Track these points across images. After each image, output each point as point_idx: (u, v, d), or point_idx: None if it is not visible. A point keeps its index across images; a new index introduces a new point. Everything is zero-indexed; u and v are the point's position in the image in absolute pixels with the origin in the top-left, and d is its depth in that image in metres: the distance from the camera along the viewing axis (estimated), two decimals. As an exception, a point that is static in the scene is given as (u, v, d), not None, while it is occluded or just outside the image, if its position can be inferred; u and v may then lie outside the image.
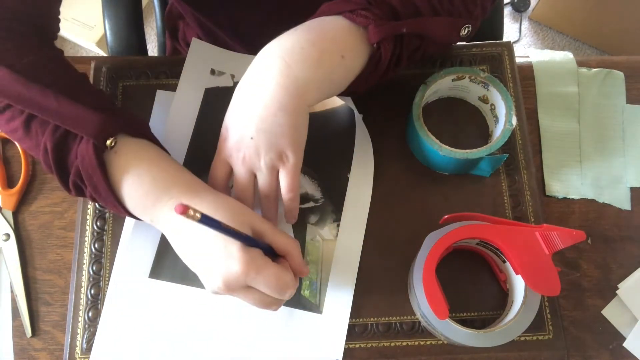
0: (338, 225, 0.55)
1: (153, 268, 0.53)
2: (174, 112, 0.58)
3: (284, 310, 0.52)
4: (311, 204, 0.55)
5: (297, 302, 0.52)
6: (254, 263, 0.41)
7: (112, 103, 0.52)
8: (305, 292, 0.53)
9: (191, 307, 0.52)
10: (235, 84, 0.59)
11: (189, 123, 0.58)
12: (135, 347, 0.51)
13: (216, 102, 0.58)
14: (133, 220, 0.54)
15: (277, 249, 0.46)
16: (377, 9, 0.46)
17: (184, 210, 0.35)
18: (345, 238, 0.54)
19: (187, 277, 0.53)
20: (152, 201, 0.45)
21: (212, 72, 0.60)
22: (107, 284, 0.53)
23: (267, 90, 0.44)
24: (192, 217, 0.36)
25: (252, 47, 0.65)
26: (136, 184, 0.45)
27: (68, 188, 0.47)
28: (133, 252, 0.53)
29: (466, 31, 0.51)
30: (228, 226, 0.40)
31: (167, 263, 0.53)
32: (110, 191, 0.45)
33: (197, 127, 0.58)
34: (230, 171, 0.49)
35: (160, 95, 0.59)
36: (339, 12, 0.46)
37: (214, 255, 0.42)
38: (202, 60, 0.60)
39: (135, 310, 0.52)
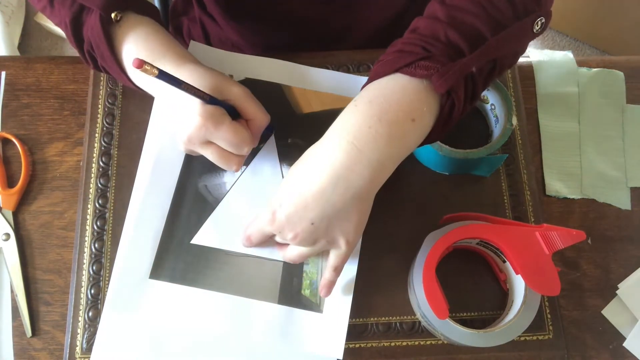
0: None
1: (153, 269, 0.53)
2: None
3: (284, 310, 0.52)
4: None
5: (298, 301, 0.52)
6: (212, 118, 0.46)
7: None
8: (306, 292, 0.53)
9: (191, 308, 0.52)
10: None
11: None
12: (135, 348, 0.51)
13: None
14: (133, 221, 0.54)
15: (246, 113, 0.49)
16: (437, 53, 0.40)
17: (140, 65, 0.39)
18: None
19: (187, 277, 0.53)
20: None
21: None
22: (107, 284, 0.53)
23: (339, 180, 0.41)
24: (150, 72, 0.41)
25: (259, 47, 0.65)
26: (134, 53, 0.49)
27: (85, 59, 0.52)
28: (133, 252, 0.53)
29: (540, 25, 0.44)
30: (188, 85, 0.44)
31: (167, 264, 0.53)
32: (114, 59, 0.50)
33: None
34: (269, 239, 0.50)
35: None
36: (396, 70, 0.42)
37: (180, 113, 0.47)
38: (200, 61, 0.60)
39: (135, 311, 0.52)
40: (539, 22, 0.44)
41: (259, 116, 0.50)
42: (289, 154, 0.57)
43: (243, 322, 0.51)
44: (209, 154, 0.49)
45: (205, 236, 0.54)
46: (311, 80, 0.60)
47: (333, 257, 0.47)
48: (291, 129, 0.58)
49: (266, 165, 0.57)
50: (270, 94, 0.59)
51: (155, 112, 0.58)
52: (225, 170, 0.56)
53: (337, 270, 0.48)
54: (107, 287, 0.53)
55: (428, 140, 0.45)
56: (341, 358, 0.50)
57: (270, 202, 0.46)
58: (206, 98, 0.46)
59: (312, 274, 0.53)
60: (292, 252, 0.49)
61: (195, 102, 0.46)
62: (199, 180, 0.56)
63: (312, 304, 0.52)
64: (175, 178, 0.56)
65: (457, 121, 0.45)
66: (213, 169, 0.56)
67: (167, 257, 0.53)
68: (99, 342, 0.51)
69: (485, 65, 0.42)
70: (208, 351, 0.51)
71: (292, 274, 0.53)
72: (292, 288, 0.53)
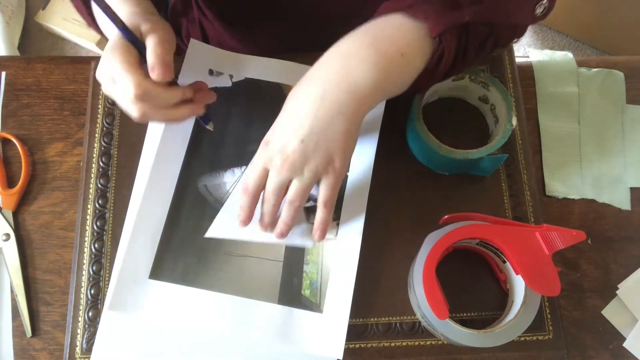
0: (337, 224, 0.55)
1: (153, 269, 0.53)
2: None
3: (284, 310, 0.52)
4: (311, 203, 0.55)
5: (298, 301, 0.52)
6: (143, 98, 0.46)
7: None
8: (306, 292, 0.53)
9: (191, 308, 0.52)
10: (234, 84, 0.59)
11: (187, 125, 0.58)
12: (135, 348, 0.51)
13: (214, 103, 0.58)
14: (133, 221, 0.54)
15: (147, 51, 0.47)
16: (436, 0, 0.44)
17: None
18: (345, 236, 0.54)
19: (187, 278, 0.53)
20: None
21: (211, 72, 0.60)
22: (107, 284, 0.53)
23: (326, 93, 0.44)
24: None
25: (255, 45, 0.65)
26: None
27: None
28: (133, 253, 0.53)
29: (542, 9, 0.47)
30: (109, 8, 0.45)
31: (167, 264, 0.53)
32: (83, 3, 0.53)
33: (196, 128, 0.58)
34: (266, 177, 0.48)
35: None
36: (397, 10, 0.45)
37: (119, 83, 0.46)
38: (200, 60, 0.60)
39: (135, 311, 0.52)
40: (542, 5, 0.46)
41: (156, 51, 0.47)
42: None
43: (243, 322, 0.51)
44: (115, 97, 0.49)
45: (219, 229, 0.54)
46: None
47: (322, 190, 0.47)
48: None
49: None
50: (270, 94, 0.59)
51: None
52: (225, 170, 0.56)
53: (328, 205, 0.48)
54: (107, 287, 0.53)
55: (412, 88, 0.47)
56: (341, 358, 0.51)
57: (265, 137, 0.47)
58: (123, 30, 0.46)
59: (312, 274, 0.53)
60: (291, 192, 0.47)
61: (131, 78, 0.45)
62: (198, 181, 0.56)
63: (312, 304, 0.52)
64: (175, 178, 0.56)
65: (442, 76, 0.48)
66: (213, 169, 0.56)
67: (167, 258, 0.53)
68: (99, 342, 0.51)
69: (480, 28, 0.45)
70: (208, 351, 0.51)
71: (292, 273, 0.53)
72: (292, 288, 0.53)
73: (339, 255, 0.53)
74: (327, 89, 0.44)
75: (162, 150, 0.56)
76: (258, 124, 0.58)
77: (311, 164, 0.45)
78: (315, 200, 0.55)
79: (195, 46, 0.61)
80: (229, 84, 0.59)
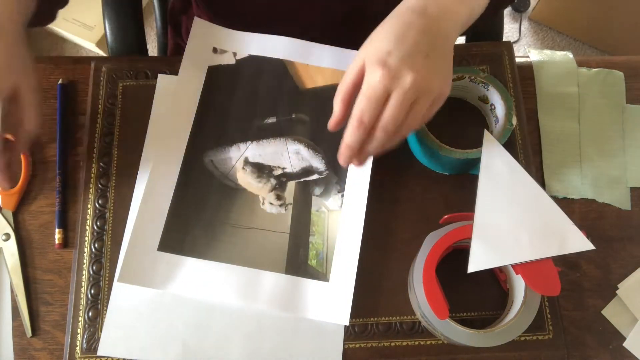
0: (342, 196, 0.56)
1: (161, 241, 0.54)
2: (178, 91, 0.59)
3: (291, 279, 0.53)
4: (315, 177, 0.56)
5: (305, 271, 0.53)
6: None
7: None
8: (312, 262, 0.53)
9: (199, 279, 0.52)
10: (238, 61, 0.60)
11: (192, 102, 0.59)
12: (144, 320, 0.52)
13: (219, 80, 0.60)
14: (141, 196, 0.55)
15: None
16: None
17: None
18: (350, 207, 0.55)
19: (195, 249, 0.54)
20: None
21: (215, 50, 0.61)
22: (107, 284, 0.53)
23: (437, 22, 0.43)
24: None
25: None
26: None
27: None
28: (142, 226, 0.54)
29: None
30: None
31: (175, 236, 0.54)
32: None
33: (201, 104, 0.59)
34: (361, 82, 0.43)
35: (162, 79, 0.60)
36: None
37: None
38: (204, 39, 0.61)
39: (144, 283, 0.52)
40: None
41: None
42: (292, 129, 0.58)
43: (251, 292, 0.52)
44: None
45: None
46: (313, 56, 0.61)
47: (426, 107, 0.43)
48: (294, 104, 0.59)
49: (271, 142, 0.58)
50: (273, 71, 0.60)
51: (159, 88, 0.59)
52: (230, 145, 0.58)
53: (427, 118, 0.45)
54: (107, 287, 0.53)
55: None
56: (347, 324, 0.51)
57: (368, 58, 0.43)
58: None
59: (318, 245, 0.54)
60: (415, 116, 0.43)
61: None
62: (204, 156, 0.57)
63: (318, 274, 0.53)
64: (182, 153, 0.57)
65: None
66: (218, 144, 0.57)
67: (175, 230, 0.54)
68: (109, 317, 0.52)
69: None
70: (216, 322, 0.52)
71: (298, 245, 0.54)
72: (298, 259, 0.54)
73: (344, 226, 0.54)
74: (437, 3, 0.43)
75: (167, 126, 0.57)
76: (261, 100, 0.59)
77: (435, 85, 0.43)
78: (319, 172, 0.56)
79: (199, 25, 0.62)
80: (232, 61, 0.61)
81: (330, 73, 0.60)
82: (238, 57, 0.61)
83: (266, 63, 0.61)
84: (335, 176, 0.57)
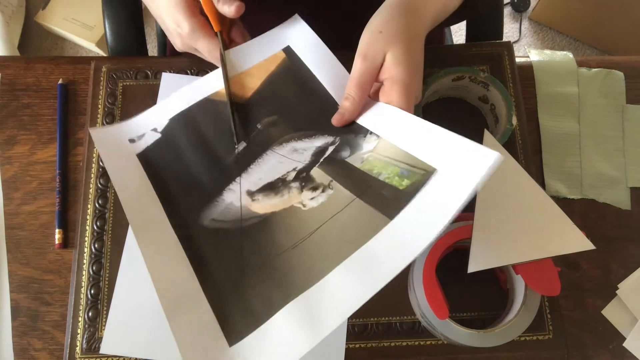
0: (371, 133, 0.49)
1: (227, 338, 0.44)
2: (124, 190, 0.52)
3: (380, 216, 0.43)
4: (332, 148, 0.51)
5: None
6: (190, 36, 0.53)
7: None
8: (394, 182, 0.45)
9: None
10: (164, 131, 0.55)
11: (145, 192, 0.52)
12: (147, 318, 0.51)
13: (157, 158, 0.54)
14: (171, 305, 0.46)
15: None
16: None
17: None
18: (387, 128, 0.48)
19: (264, 311, 0.44)
20: None
21: (132, 140, 0.55)
22: (107, 284, 0.53)
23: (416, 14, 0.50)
24: None
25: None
26: None
27: None
28: (192, 334, 0.45)
29: None
30: None
31: (235, 318, 0.45)
32: None
33: (157, 186, 0.52)
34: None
35: (166, 77, 0.60)
36: None
37: (168, 25, 0.55)
38: (112, 140, 0.55)
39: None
40: None
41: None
42: (269, 136, 0.54)
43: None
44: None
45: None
46: (235, 65, 0.57)
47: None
48: (251, 118, 0.55)
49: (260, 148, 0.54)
50: (209, 111, 0.56)
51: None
52: (220, 193, 0.51)
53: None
54: (107, 288, 0.53)
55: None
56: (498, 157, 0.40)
57: (396, 88, 0.47)
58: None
59: (393, 173, 0.46)
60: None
61: (180, 18, 0.52)
62: (200, 220, 0.50)
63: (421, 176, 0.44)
64: (174, 238, 0.50)
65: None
66: (208, 201, 0.51)
67: (231, 315, 0.45)
68: (112, 316, 0.52)
69: None
70: None
71: (378, 186, 0.46)
72: (375, 192, 0.45)
73: (398, 141, 0.47)
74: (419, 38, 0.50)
75: (141, 219, 0.50)
76: (217, 140, 0.54)
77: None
78: (332, 143, 0.51)
79: (96, 133, 0.56)
80: (157, 135, 0.55)
81: (257, 69, 0.57)
82: (160, 130, 0.55)
83: (196, 110, 0.56)
84: (350, 132, 0.50)
